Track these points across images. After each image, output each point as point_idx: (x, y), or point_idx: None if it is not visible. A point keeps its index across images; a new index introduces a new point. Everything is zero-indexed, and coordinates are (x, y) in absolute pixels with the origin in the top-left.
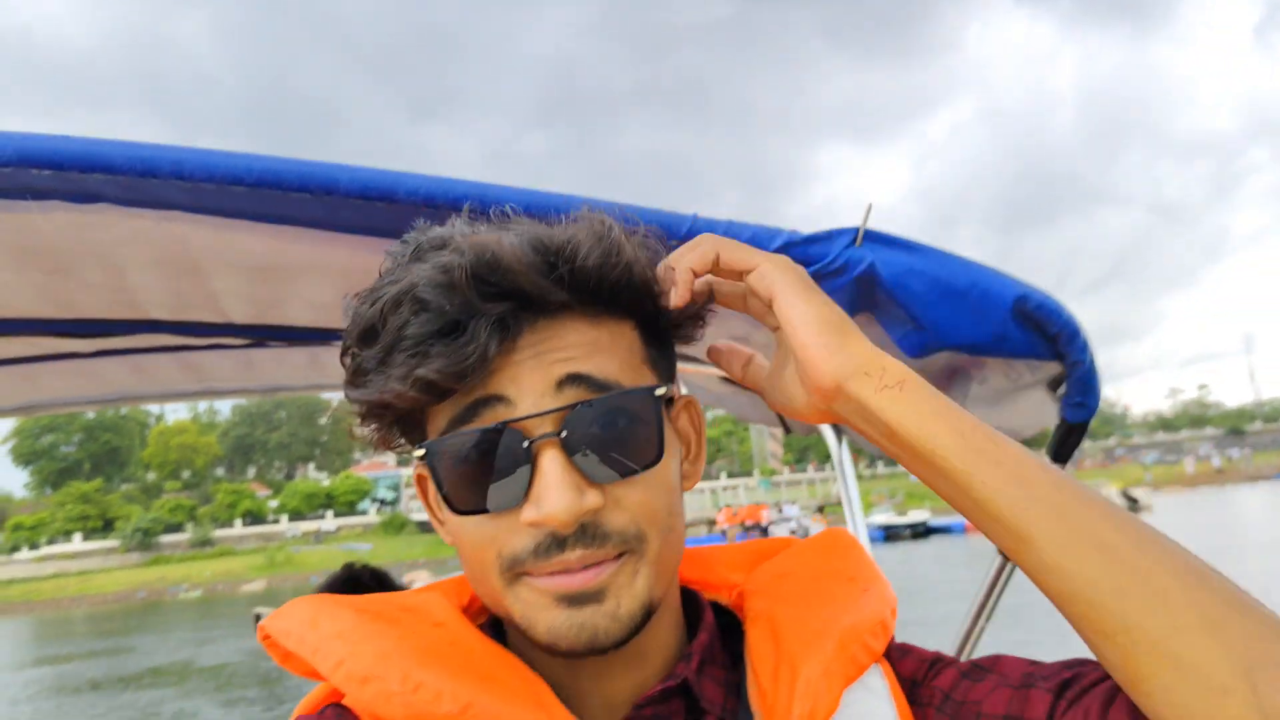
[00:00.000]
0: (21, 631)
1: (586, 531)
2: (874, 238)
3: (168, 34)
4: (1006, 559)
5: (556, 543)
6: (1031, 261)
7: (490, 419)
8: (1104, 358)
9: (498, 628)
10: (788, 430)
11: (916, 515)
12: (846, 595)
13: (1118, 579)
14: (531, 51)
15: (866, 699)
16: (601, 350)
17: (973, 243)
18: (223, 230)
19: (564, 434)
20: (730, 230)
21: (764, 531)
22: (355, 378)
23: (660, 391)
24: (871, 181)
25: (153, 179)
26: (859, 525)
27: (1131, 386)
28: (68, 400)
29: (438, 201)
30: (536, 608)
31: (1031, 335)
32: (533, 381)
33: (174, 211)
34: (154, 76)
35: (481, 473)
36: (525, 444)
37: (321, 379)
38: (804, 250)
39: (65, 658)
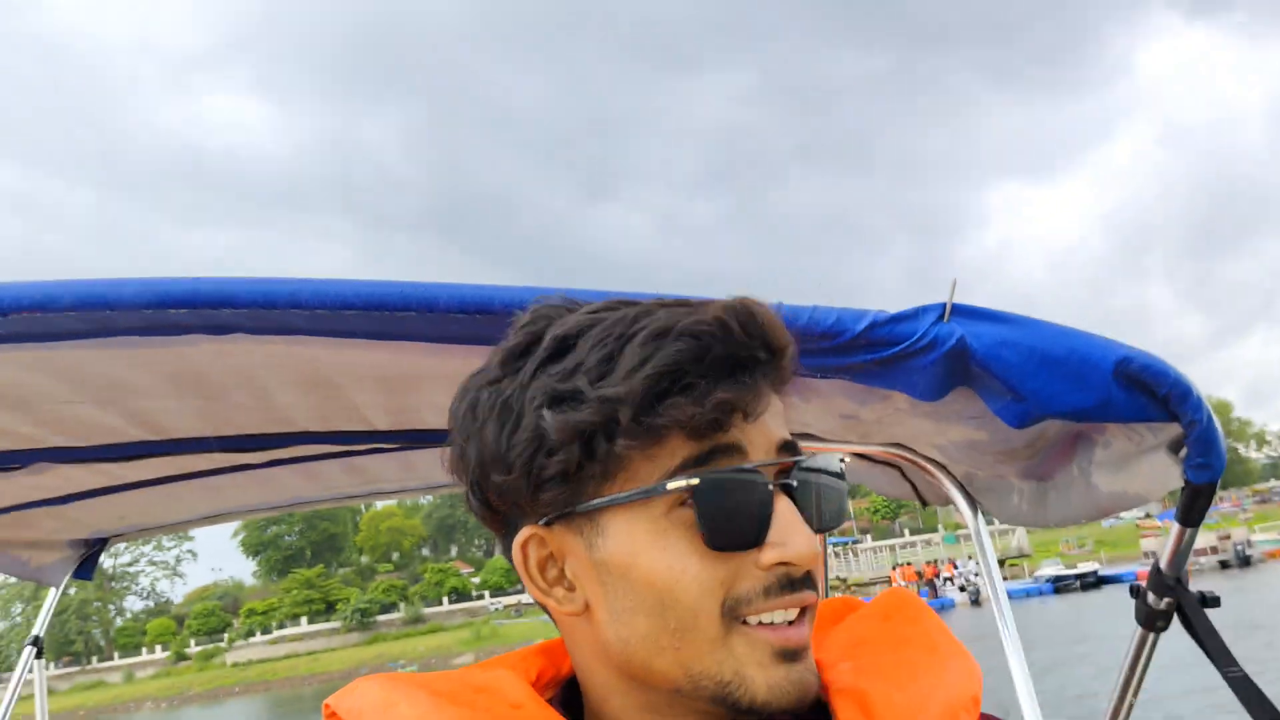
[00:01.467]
0: (264, 707)
1: (810, 575)
2: (962, 311)
3: (356, 141)
4: (1146, 630)
5: (789, 584)
6: (1231, 285)
7: (726, 464)
8: None
9: (568, 706)
10: (924, 503)
11: (1085, 566)
12: (932, 667)
13: None
14: (694, 124)
15: None
16: (783, 416)
17: (1164, 271)
18: (345, 349)
19: (795, 483)
20: (814, 316)
21: (933, 588)
22: (565, 399)
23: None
24: (1047, 217)
25: (274, 309)
26: (998, 590)
27: None
28: (250, 508)
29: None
30: (753, 664)
31: (1140, 398)
32: (761, 434)
33: (300, 335)
34: (346, 180)
35: (730, 513)
36: (770, 487)
37: None
38: (890, 329)
39: None
